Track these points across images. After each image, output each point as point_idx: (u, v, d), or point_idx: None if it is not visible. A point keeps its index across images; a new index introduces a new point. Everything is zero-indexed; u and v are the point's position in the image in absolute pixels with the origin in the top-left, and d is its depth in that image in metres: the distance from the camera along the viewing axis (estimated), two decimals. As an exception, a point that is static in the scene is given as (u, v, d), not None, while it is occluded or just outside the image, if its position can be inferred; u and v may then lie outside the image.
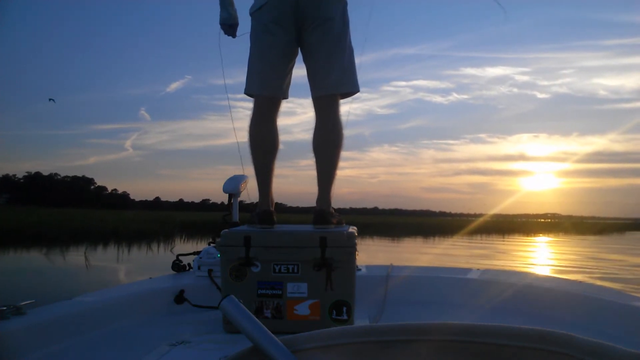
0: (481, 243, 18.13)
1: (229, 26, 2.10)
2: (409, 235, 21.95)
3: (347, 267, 1.65)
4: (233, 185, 2.46)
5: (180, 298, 1.98)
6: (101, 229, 16.44)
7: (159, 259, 10.14)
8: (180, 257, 2.42)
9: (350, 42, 1.96)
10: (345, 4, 1.95)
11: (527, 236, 25.45)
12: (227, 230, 1.74)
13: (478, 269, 2.37)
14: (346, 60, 1.93)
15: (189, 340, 1.53)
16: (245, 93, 1.97)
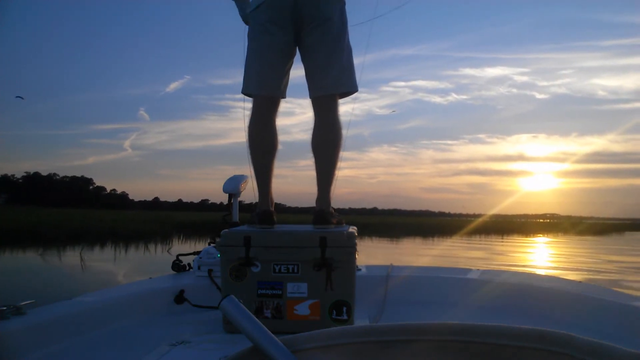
0: (480, 244, 18.13)
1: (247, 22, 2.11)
2: (408, 236, 21.96)
3: (347, 267, 1.65)
4: (233, 185, 2.46)
5: (180, 298, 1.98)
6: (98, 229, 16.42)
7: (156, 259, 10.12)
8: (180, 257, 2.42)
9: (348, 41, 1.96)
10: (344, 3, 1.95)
11: (526, 236, 25.46)
12: (227, 230, 1.74)
13: (478, 269, 2.37)
14: (345, 59, 1.93)
15: (189, 340, 1.53)
16: (243, 92, 1.97)
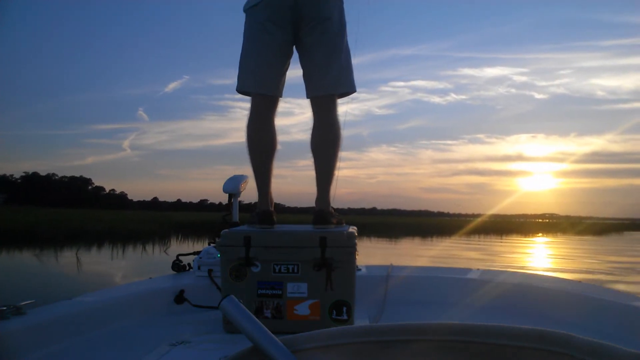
0: (479, 244, 18.13)
1: None
2: (407, 236, 21.96)
3: (347, 267, 1.65)
4: (233, 185, 2.46)
5: (180, 298, 1.98)
6: (96, 230, 16.39)
7: (153, 260, 10.09)
8: (180, 257, 2.42)
9: (347, 42, 1.96)
10: (342, 3, 1.95)
11: (525, 236, 25.47)
12: (227, 230, 1.74)
13: (478, 269, 2.37)
14: (343, 60, 1.93)
15: (189, 340, 1.53)
16: (238, 90, 1.95)
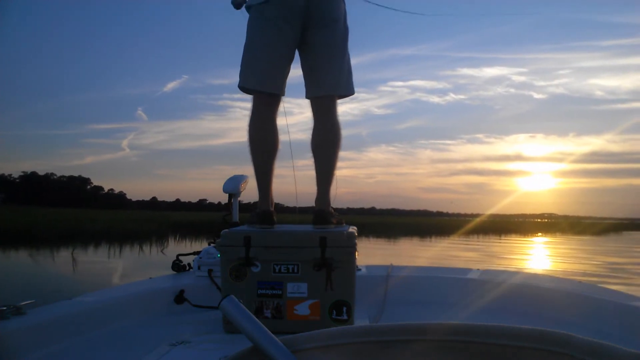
0: (478, 244, 18.13)
1: (239, 3, 2.03)
2: (405, 236, 21.96)
3: (347, 267, 1.65)
4: (233, 185, 2.46)
5: (180, 298, 1.98)
6: (93, 230, 16.35)
7: (150, 260, 10.06)
8: (180, 257, 2.42)
9: (348, 45, 1.98)
10: (345, 6, 1.96)
11: (524, 236, 25.48)
12: (227, 230, 1.74)
13: (478, 269, 2.37)
14: (346, 62, 1.95)
15: (189, 340, 1.53)
16: (240, 87, 1.92)
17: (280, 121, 1.95)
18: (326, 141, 1.92)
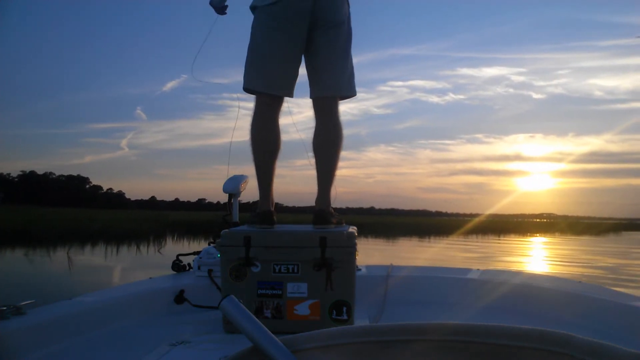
0: (477, 244, 18.14)
1: (221, 8, 2.06)
2: (404, 236, 21.95)
3: (347, 267, 1.65)
4: (233, 185, 2.46)
5: (180, 298, 1.98)
6: (91, 229, 16.28)
7: (148, 260, 10.01)
8: (180, 257, 2.42)
9: (351, 47, 1.99)
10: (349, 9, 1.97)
11: (523, 236, 25.48)
12: (227, 230, 1.74)
13: (478, 269, 2.37)
14: (350, 64, 1.96)
15: (189, 340, 1.53)
16: (245, 89, 1.93)
17: (283, 121, 1.96)
18: (327, 141, 1.93)
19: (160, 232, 17.98)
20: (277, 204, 2.01)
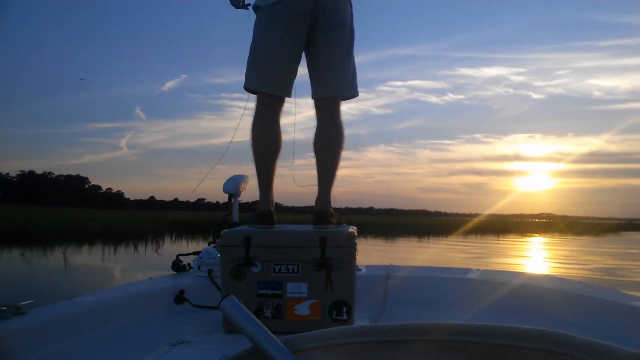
0: (476, 244, 18.13)
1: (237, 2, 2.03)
2: (404, 236, 21.95)
3: (347, 267, 1.65)
4: (233, 185, 2.46)
5: (180, 298, 1.98)
6: (89, 229, 16.25)
7: (146, 260, 9.97)
8: (180, 257, 2.42)
9: (353, 47, 1.99)
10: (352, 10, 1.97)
11: (522, 236, 25.49)
12: (227, 230, 1.74)
13: (478, 269, 2.37)
14: (351, 64, 1.96)
15: (189, 340, 1.53)
16: (246, 88, 1.93)
17: (284, 121, 1.96)
18: (328, 141, 1.93)
19: (158, 232, 17.95)
20: (277, 204, 2.01)
